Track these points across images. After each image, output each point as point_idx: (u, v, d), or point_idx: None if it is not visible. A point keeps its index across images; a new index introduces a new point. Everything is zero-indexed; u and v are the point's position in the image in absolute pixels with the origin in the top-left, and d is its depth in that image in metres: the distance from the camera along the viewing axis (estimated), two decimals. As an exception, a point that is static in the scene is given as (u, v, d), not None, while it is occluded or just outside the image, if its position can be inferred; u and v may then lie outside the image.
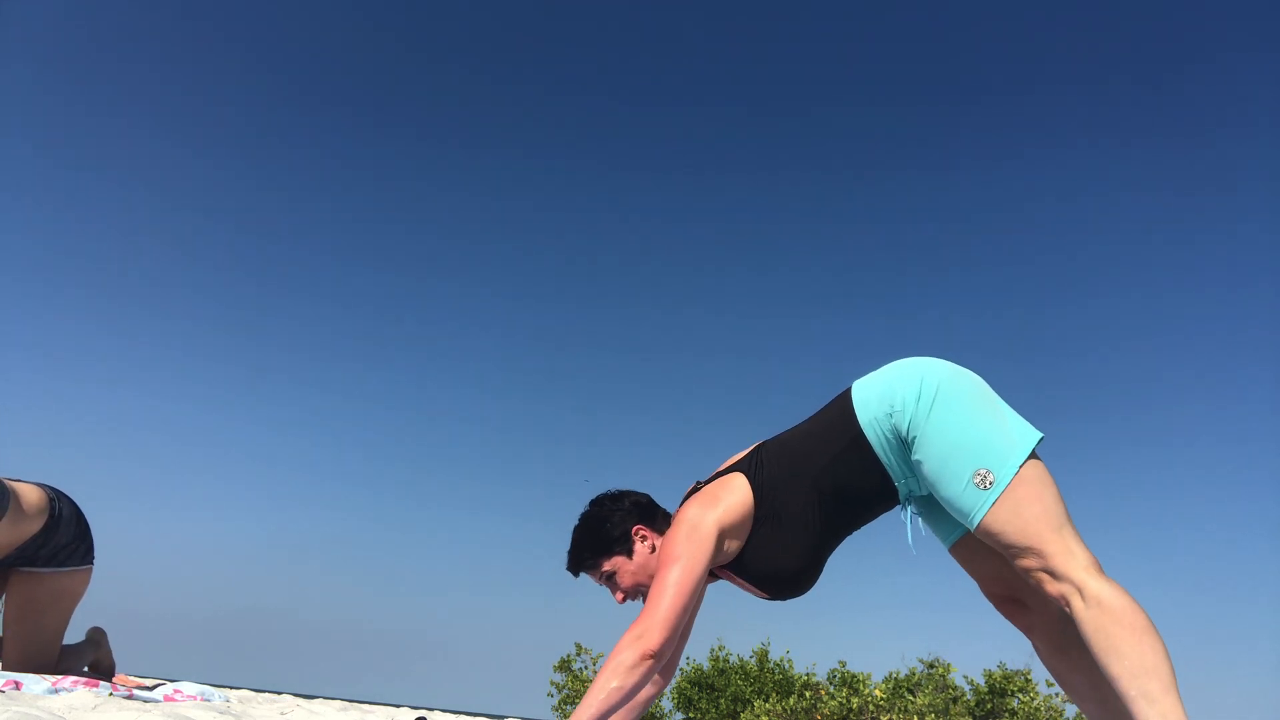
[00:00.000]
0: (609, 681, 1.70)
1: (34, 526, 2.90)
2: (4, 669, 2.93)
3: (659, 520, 2.06)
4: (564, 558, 2.09)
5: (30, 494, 2.92)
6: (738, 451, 2.07)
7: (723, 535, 1.87)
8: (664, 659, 1.76)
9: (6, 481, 2.88)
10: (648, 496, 2.11)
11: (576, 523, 2.09)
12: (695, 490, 2.02)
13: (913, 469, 1.85)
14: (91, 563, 3.13)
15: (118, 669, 3.42)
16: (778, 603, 2.01)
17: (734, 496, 1.90)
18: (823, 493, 1.89)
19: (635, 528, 2.03)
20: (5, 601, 3.02)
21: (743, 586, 2.03)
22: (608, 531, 2.02)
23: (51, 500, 2.98)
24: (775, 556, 1.92)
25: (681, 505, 2.00)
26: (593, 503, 2.10)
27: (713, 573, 2.03)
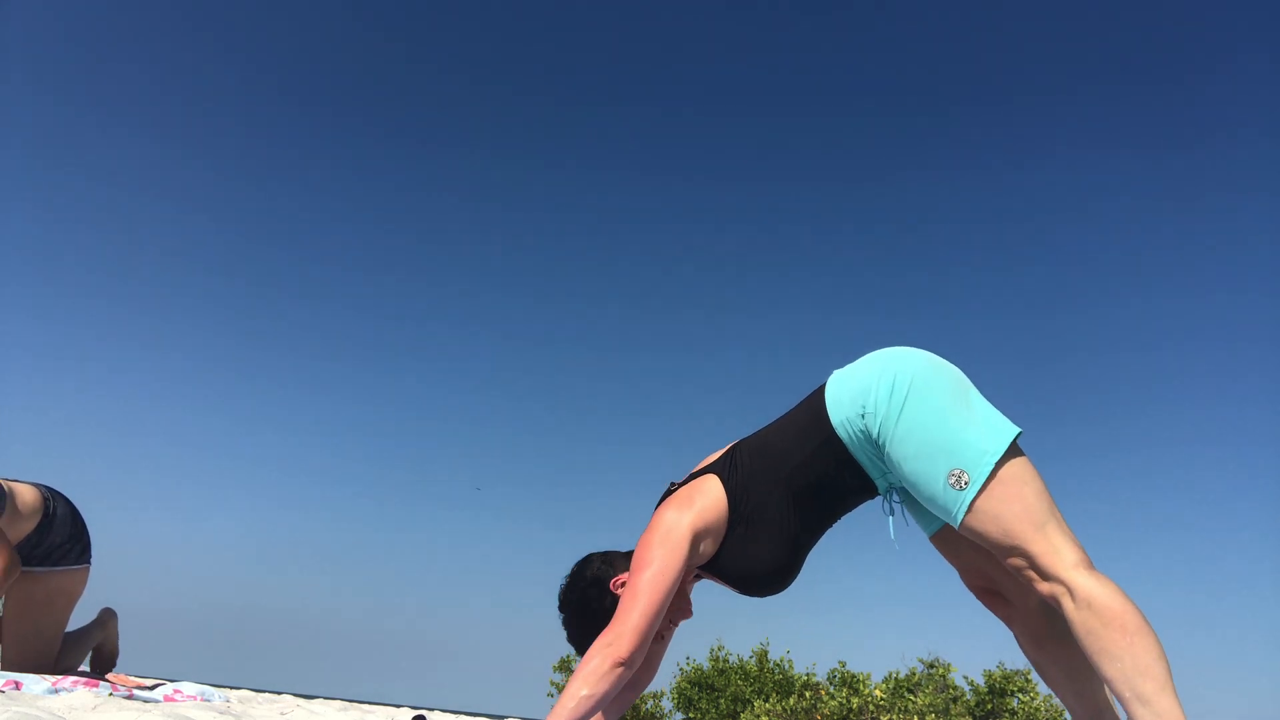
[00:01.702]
0: (579, 689, 1.68)
1: (29, 526, 2.92)
2: (4, 669, 2.93)
3: (621, 564, 2.02)
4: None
5: (26, 493, 2.94)
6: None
7: (698, 538, 1.85)
8: (636, 665, 1.73)
9: (3, 481, 2.90)
10: (600, 555, 2.07)
11: (563, 613, 2.04)
12: (671, 492, 1.99)
13: (890, 465, 1.82)
14: (88, 562, 3.14)
15: (118, 668, 3.42)
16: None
17: (708, 500, 1.88)
18: (797, 492, 1.87)
19: (613, 582, 1.99)
20: (4, 602, 3.03)
21: (721, 584, 2.01)
22: (597, 612, 1.98)
23: (46, 499, 2.99)
24: (751, 558, 1.90)
25: (658, 507, 1.97)
26: (566, 592, 2.05)
27: (696, 572, 2.02)
